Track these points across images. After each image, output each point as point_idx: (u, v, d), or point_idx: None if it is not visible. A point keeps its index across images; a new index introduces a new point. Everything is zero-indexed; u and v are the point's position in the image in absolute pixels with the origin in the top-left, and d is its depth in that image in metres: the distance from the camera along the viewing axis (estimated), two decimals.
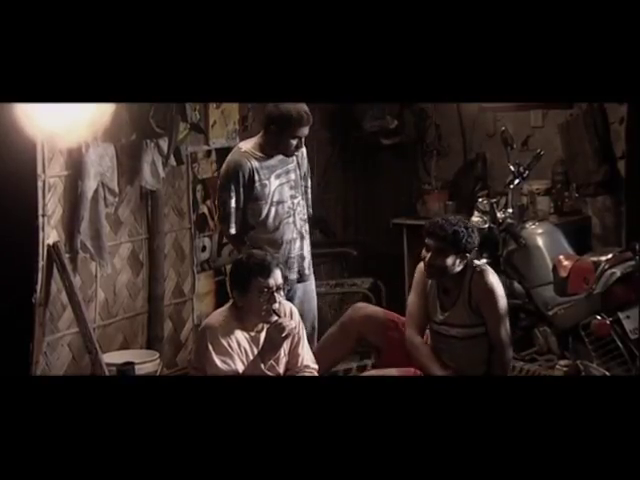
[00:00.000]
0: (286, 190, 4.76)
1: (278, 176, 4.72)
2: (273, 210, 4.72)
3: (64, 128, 4.61)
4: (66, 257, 4.84)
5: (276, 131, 4.62)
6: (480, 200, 5.44)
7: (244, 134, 6.10)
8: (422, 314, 4.60)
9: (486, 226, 5.29)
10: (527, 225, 5.40)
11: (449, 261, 4.38)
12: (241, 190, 4.66)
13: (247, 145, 4.75)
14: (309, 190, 5.00)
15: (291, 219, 4.78)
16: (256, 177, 4.65)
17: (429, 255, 4.43)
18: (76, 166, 4.90)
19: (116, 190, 5.11)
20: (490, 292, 4.43)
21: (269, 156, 4.71)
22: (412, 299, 4.66)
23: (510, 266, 5.33)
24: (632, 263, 4.80)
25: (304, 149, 4.85)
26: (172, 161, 5.46)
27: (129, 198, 5.33)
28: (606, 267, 4.84)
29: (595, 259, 4.98)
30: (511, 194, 5.44)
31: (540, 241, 5.32)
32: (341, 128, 6.79)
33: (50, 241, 4.80)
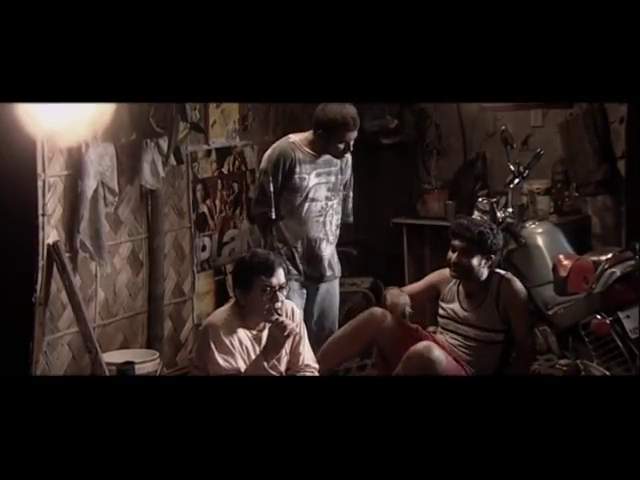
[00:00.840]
0: (323, 190, 4.83)
1: (318, 175, 4.80)
2: (306, 205, 4.79)
3: (64, 127, 4.61)
4: (66, 256, 4.84)
5: (323, 135, 4.71)
6: (480, 199, 5.44)
7: (244, 133, 6.11)
8: (415, 295, 4.81)
9: None
10: (527, 224, 5.40)
11: (475, 261, 4.59)
12: (280, 177, 4.74)
13: (297, 137, 4.83)
14: (350, 199, 5.08)
15: (321, 219, 4.85)
16: (297, 169, 4.73)
17: (455, 255, 4.62)
18: (76, 165, 4.90)
19: (116, 189, 5.11)
20: (520, 298, 4.69)
21: (316, 154, 4.79)
22: (418, 283, 4.95)
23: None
24: (632, 262, 4.79)
25: (350, 157, 4.94)
26: (172, 160, 5.46)
27: (129, 197, 5.33)
28: (606, 266, 4.83)
29: (595, 258, 4.97)
30: (511, 193, 5.44)
31: (540, 240, 5.32)
32: None
33: (50, 240, 4.80)
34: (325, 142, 4.73)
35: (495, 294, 4.66)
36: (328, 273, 4.94)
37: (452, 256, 4.62)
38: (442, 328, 4.79)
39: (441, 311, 4.81)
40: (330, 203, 4.87)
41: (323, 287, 4.96)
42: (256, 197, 4.88)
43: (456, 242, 4.61)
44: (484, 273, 4.64)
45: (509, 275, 4.75)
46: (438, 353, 4.41)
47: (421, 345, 4.46)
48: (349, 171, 5.01)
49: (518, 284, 4.71)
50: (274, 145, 4.87)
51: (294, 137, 4.83)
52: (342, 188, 4.97)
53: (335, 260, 5.01)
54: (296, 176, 4.74)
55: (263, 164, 4.85)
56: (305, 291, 4.89)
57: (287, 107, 6.39)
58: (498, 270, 4.75)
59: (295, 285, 4.78)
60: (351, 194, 5.10)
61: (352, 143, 4.75)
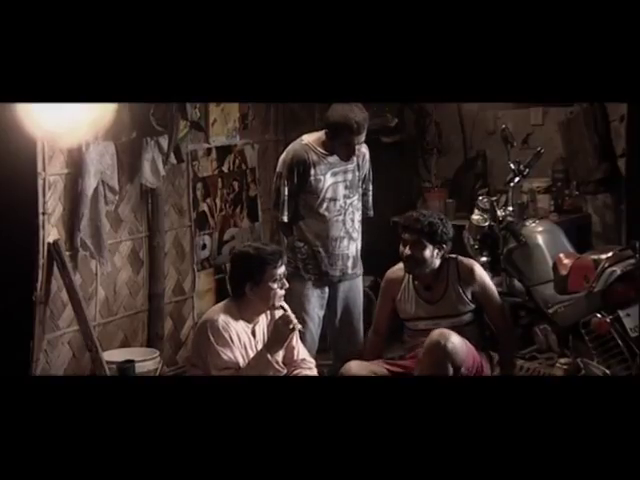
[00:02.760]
0: (341, 189, 4.82)
1: (335, 174, 4.79)
2: (325, 205, 4.79)
3: (64, 126, 4.61)
4: (66, 255, 4.85)
5: (329, 135, 4.72)
6: (480, 198, 5.43)
7: (244, 132, 6.11)
8: (385, 322, 4.82)
9: (486, 224, 5.30)
10: (527, 223, 5.39)
11: (427, 253, 4.56)
12: (295, 180, 4.74)
13: (310, 138, 4.82)
14: (370, 193, 5.04)
15: (341, 217, 4.84)
16: (312, 171, 4.72)
17: (407, 249, 4.58)
18: (76, 164, 4.90)
19: (116, 188, 5.11)
20: (488, 283, 4.70)
21: (329, 153, 4.78)
22: (377, 308, 4.86)
23: (510, 264, 5.33)
24: (632, 261, 4.78)
25: (367, 152, 4.91)
26: (172, 159, 5.46)
27: (129, 196, 5.34)
28: (606, 265, 4.83)
29: (595, 257, 4.96)
30: (511, 192, 5.43)
31: (540, 239, 5.32)
32: None
33: (50, 239, 4.80)
34: (331, 143, 4.74)
35: (456, 278, 4.65)
36: (351, 271, 4.94)
37: (404, 250, 4.61)
38: (411, 330, 4.73)
39: (403, 315, 4.76)
40: (349, 201, 4.86)
41: (346, 285, 4.96)
42: (273, 201, 4.89)
43: (407, 235, 4.59)
44: (437, 263, 4.62)
45: (461, 257, 4.74)
46: (455, 338, 4.37)
47: (435, 334, 4.40)
48: (367, 165, 4.98)
49: (477, 267, 4.72)
50: (288, 148, 4.86)
51: (307, 138, 4.82)
52: (360, 184, 4.94)
53: (357, 255, 4.99)
54: (311, 178, 4.73)
55: (278, 167, 4.84)
56: (327, 289, 4.91)
57: (287, 106, 6.39)
58: (449, 255, 4.72)
59: (314, 284, 4.82)
60: (371, 187, 5.05)
61: (357, 147, 4.73)
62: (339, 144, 4.70)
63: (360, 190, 4.94)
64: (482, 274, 4.72)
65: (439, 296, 4.66)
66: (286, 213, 4.78)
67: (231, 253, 4.68)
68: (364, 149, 4.90)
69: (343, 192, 4.83)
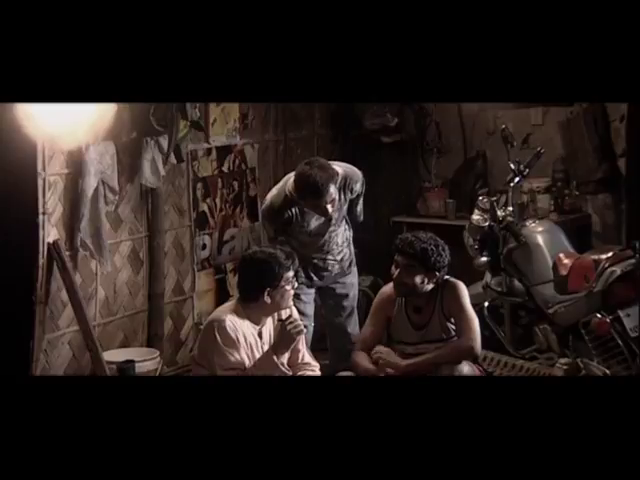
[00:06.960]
0: (325, 226, 4.80)
1: (319, 218, 4.74)
2: (309, 239, 4.80)
3: (65, 126, 4.61)
4: (66, 255, 4.85)
5: (298, 199, 4.64)
6: (480, 198, 5.44)
7: (244, 132, 6.11)
8: (374, 340, 4.50)
9: (486, 224, 5.31)
10: (527, 223, 5.41)
11: (417, 279, 4.31)
12: (280, 227, 4.75)
13: (294, 186, 4.65)
14: (360, 203, 4.96)
15: (325, 248, 4.86)
16: (294, 220, 4.71)
17: (397, 272, 4.35)
18: (76, 164, 4.91)
19: (116, 188, 5.12)
20: (460, 303, 4.35)
21: None
22: (368, 323, 4.57)
23: (510, 264, 5.34)
24: (632, 261, 4.80)
25: (359, 181, 4.83)
26: (172, 159, 5.46)
27: (129, 196, 5.34)
28: (606, 265, 4.84)
29: (595, 257, 4.98)
30: (511, 192, 5.44)
31: (540, 239, 5.33)
32: (342, 126, 6.79)
33: (50, 239, 4.81)
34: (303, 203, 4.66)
35: (440, 304, 4.38)
36: (340, 271, 4.95)
37: (395, 272, 4.35)
38: (401, 352, 4.42)
39: (394, 336, 4.51)
40: (334, 233, 4.86)
41: (338, 282, 4.97)
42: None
43: (399, 258, 4.33)
44: (428, 288, 4.35)
45: (453, 280, 4.42)
46: (467, 370, 4.24)
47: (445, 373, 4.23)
48: (357, 191, 4.85)
49: (460, 289, 4.38)
50: (272, 195, 4.77)
51: (291, 186, 4.65)
52: (347, 203, 4.85)
53: (346, 259, 4.98)
54: (295, 224, 4.72)
55: (263, 210, 4.88)
56: (316, 286, 4.92)
57: (287, 105, 6.40)
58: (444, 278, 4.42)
59: (303, 282, 4.82)
60: (361, 200, 4.97)
61: (329, 206, 4.55)
62: (308, 207, 4.63)
63: (344, 216, 4.89)
64: (460, 295, 4.37)
65: (426, 321, 4.41)
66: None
67: (241, 258, 4.54)
68: (354, 183, 4.79)
69: (328, 228, 4.81)
